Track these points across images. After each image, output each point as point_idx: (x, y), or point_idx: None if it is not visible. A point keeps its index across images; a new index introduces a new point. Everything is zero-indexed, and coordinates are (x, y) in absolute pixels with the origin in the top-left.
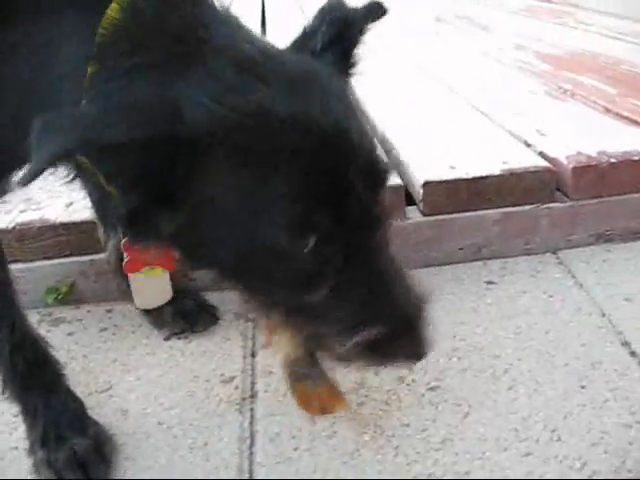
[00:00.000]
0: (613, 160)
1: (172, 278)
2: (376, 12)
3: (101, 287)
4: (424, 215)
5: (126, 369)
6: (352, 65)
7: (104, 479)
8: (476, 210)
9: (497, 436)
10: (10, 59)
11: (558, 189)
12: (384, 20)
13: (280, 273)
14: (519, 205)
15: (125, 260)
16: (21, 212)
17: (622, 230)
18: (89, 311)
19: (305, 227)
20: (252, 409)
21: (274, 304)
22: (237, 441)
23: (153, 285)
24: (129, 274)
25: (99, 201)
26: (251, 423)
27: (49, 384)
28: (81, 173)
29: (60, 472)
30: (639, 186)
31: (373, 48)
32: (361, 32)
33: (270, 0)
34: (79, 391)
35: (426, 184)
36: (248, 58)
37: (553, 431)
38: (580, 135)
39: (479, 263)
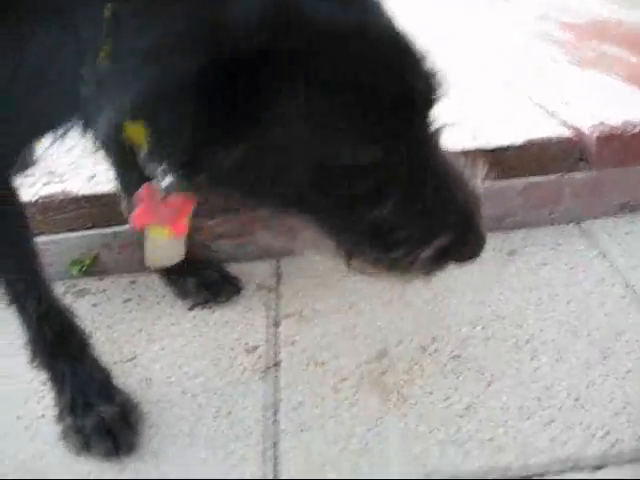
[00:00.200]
0: (637, 129)
1: (195, 250)
2: None
3: (124, 259)
4: None
5: (150, 339)
6: None
7: (131, 445)
8: (499, 180)
9: (520, 404)
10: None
11: (581, 159)
12: None
13: (346, 189)
14: (542, 175)
15: (136, 210)
16: (44, 185)
17: None
18: (113, 282)
19: (372, 136)
20: (276, 378)
21: (339, 228)
22: (261, 409)
23: (165, 245)
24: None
25: (123, 173)
26: (275, 391)
27: (76, 353)
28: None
29: (88, 438)
30: None
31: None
32: None
33: None
34: (105, 360)
35: None
36: None
37: (576, 400)
38: (604, 104)
39: (502, 233)
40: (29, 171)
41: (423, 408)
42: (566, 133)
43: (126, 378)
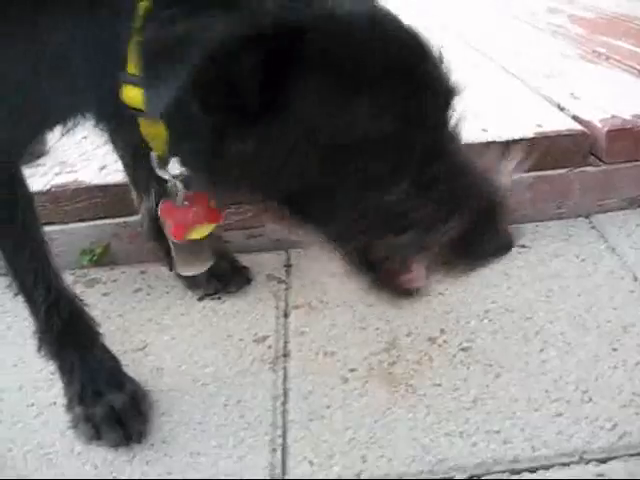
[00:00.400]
0: None
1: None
2: None
3: (135, 249)
4: None
5: (161, 328)
6: None
7: (141, 434)
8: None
9: (528, 396)
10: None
11: (592, 153)
12: None
13: (360, 169)
14: (552, 169)
15: (169, 227)
16: (56, 175)
17: None
18: (123, 272)
19: (388, 112)
20: (285, 368)
21: (357, 212)
22: (271, 399)
23: (195, 251)
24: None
25: (131, 165)
26: (284, 381)
27: (85, 342)
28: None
29: (98, 426)
30: None
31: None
32: None
33: None
34: (115, 350)
35: None
36: None
37: (584, 392)
38: (614, 98)
39: (511, 227)
40: (41, 161)
41: (431, 399)
42: (576, 127)
43: (136, 367)
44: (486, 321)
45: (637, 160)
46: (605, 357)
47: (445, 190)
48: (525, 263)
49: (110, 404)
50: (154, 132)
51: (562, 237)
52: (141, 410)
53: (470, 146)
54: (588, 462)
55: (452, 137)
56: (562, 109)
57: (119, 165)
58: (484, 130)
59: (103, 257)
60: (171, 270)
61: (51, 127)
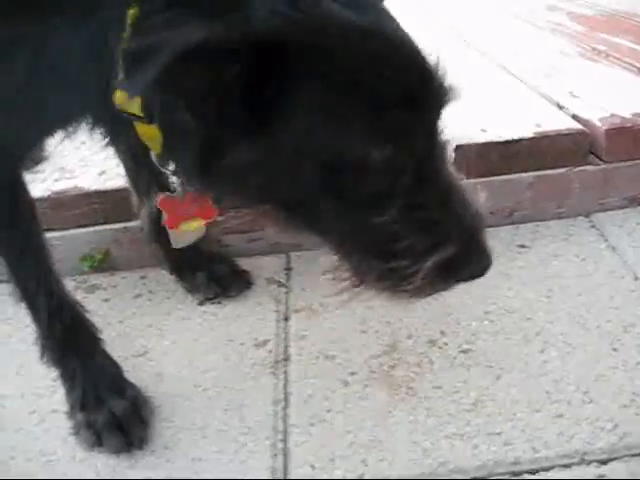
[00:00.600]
0: None
1: (206, 242)
2: None
3: (135, 254)
4: None
5: (161, 334)
6: None
7: (142, 440)
8: (508, 173)
9: (529, 398)
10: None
11: (591, 152)
12: None
13: (354, 190)
14: (552, 168)
15: (164, 217)
16: (55, 181)
17: None
18: (124, 278)
19: (383, 135)
20: (286, 372)
21: (343, 231)
22: (271, 403)
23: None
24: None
25: (133, 169)
26: (285, 385)
27: (86, 348)
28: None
29: (100, 433)
30: None
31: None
32: None
33: None
34: (115, 355)
35: (458, 148)
36: None
37: (585, 393)
38: (614, 97)
39: (511, 227)
40: (40, 167)
41: (432, 402)
42: (576, 126)
43: (137, 373)
44: (486, 322)
45: (637, 159)
46: (605, 357)
47: (436, 218)
48: (525, 263)
49: (111, 410)
50: (150, 134)
51: (562, 237)
52: (142, 416)
53: (470, 146)
54: (589, 463)
55: (443, 163)
56: (561, 108)
57: (118, 170)
58: (483, 130)
59: (103, 263)
60: (171, 274)
61: (51, 132)
